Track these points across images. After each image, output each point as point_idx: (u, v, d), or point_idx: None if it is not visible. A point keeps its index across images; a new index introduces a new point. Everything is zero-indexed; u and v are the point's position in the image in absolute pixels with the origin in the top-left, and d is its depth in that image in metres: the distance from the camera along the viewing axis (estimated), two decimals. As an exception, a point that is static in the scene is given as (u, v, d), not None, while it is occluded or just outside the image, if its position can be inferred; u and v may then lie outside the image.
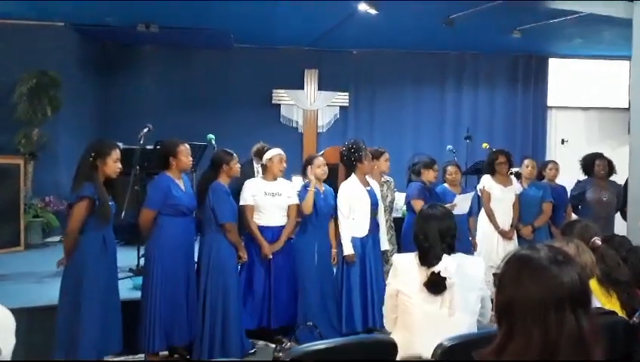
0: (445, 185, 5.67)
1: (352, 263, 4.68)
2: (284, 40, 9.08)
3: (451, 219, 2.78)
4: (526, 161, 5.86)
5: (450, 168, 5.68)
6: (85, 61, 8.57)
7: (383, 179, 5.32)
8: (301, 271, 4.70)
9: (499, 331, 1.38)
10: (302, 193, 4.78)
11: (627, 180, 6.13)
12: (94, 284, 3.79)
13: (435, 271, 2.58)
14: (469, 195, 5.42)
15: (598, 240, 2.93)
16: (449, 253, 2.66)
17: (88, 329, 3.76)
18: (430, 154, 5.99)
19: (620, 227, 6.12)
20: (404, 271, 2.69)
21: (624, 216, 6.17)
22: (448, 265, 2.59)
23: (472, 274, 2.69)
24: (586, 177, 6.27)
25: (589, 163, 6.19)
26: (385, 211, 5.21)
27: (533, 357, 1.28)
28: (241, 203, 4.59)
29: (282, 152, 4.74)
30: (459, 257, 2.71)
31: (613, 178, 6.25)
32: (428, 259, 2.63)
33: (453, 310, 2.59)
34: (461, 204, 5.23)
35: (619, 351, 2.20)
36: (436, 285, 2.58)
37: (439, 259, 2.61)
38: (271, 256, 4.58)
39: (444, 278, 2.57)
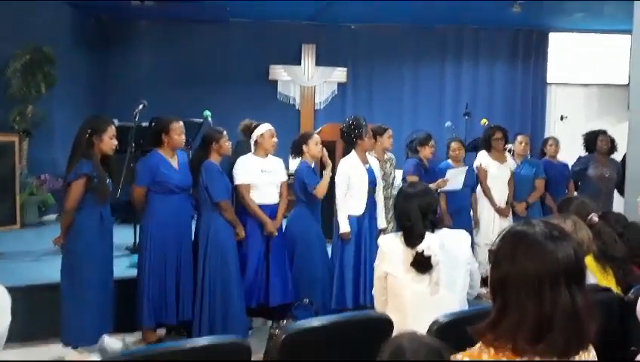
0: (449, 160, 5.63)
1: (347, 241, 4.66)
2: (281, 14, 8.95)
3: (431, 196, 2.77)
4: (519, 138, 5.82)
5: (453, 144, 5.64)
6: (80, 37, 8.48)
7: (385, 157, 5.27)
8: (297, 249, 4.67)
9: (493, 306, 1.37)
10: (305, 172, 4.65)
11: (624, 157, 6.11)
12: (93, 262, 3.81)
13: (419, 251, 2.58)
14: (462, 170, 5.37)
15: (595, 217, 2.92)
16: (432, 230, 2.66)
17: (89, 310, 3.79)
18: (430, 131, 5.94)
19: (618, 203, 6.13)
20: (390, 253, 2.68)
21: (621, 193, 6.16)
22: (431, 243, 2.59)
23: (458, 249, 2.70)
24: (588, 153, 6.25)
25: (592, 139, 6.19)
26: (388, 188, 5.18)
27: (527, 332, 1.28)
28: (238, 182, 4.51)
29: (272, 127, 4.65)
30: (442, 234, 2.71)
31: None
32: (412, 238, 2.63)
33: (438, 287, 2.59)
34: (454, 179, 5.20)
35: (614, 327, 2.20)
36: (422, 264, 2.58)
37: (422, 236, 2.61)
38: (276, 233, 4.54)
39: (429, 256, 2.56)
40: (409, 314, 2.56)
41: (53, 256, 5.12)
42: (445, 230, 2.77)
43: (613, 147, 6.13)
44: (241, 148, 5.15)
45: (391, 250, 2.68)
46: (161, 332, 4.32)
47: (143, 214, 4.20)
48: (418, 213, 2.64)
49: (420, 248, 2.58)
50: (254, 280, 4.51)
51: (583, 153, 6.39)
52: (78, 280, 3.78)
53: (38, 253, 5.41)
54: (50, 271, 4.59)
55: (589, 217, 2.94)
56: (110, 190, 3.95)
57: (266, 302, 4.56)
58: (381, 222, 4.97)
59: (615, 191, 6.25)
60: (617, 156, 6.30)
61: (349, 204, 4.68)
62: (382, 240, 2.81)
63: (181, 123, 4.25)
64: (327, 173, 4.62)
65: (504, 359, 1.31)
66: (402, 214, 2.70)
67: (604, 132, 6.22)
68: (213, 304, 4.21)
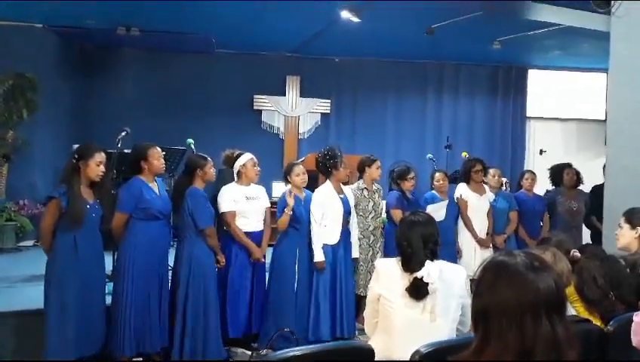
0: (434, 191, 5.68)
1: (322, 270, 4.66)
2: (266, 46, 9.06)
3: (433, 226, 2.79)
4: (491, 171, 5.91)
5: (437, 175, 5.71)
6: (63, 63, 8.47)
7: (374, 187, 5.32)
8: (282, 277, 4.66)
9: (475, 336, 1.37)
10: (280, 203, 4.73)
11: (593, 188, 6.22)
12: (63, 286, 3.75)
13: (418, 277, 2.58)
14: (442, 204, 5.43)
15: (577, 253, 2.95)
16: (432, 259, 2.67)
17: (54, 333, 3.73)
18: (408, 162, 5.99)
19: (587, 236, 6.22)
20: (387, 276, 2.68)
21: (588, 226, 6.25)
22: (431, 270, 2.60)
23: (454, 280, 2.69)
24: (554, 187, 6.33)
25: (558, 173, 6.26)
26: (378, 218, 5.23)
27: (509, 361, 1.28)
28: (224, 209, 4.52)
29: (253, 156, 4.69)
30: (441, 264, 2.72)
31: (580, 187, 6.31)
32: (411, 264, 2.64)
33: (435, 315, 2.59)
34: (435, 214, 5.22)
35: (593, 359, 2.21)
36: (419, 290, 2.58)
37: (422, 264, 2.62)
38: (263, 260, 4.56)
39: (427, 284, 2.57)
40: (396, 338, 2.56)
41: (29, 283, 5.05)
42: (442, 261, 2.78)
43: (578, 179, 6.19)
44: (224, 176, 5.16)
45: (387, 272, 2.69)
46: (137, 360, 4.23)
47: (121, 241, 4.13)
48: (420, 241, 2.66)
49: (419, 274, 2.58)
50: (242, 309, 4.49)
51: (550, 187, 6.47)
52: (52, 302, 3.74)
53: (14, 278, 5.31)
54: (26, 297, 4.53)
55: (571, 253, 2.97)
56: (87, 215, 3.84)
57: (249, 330, 4.53)
58: (355, 251, 4.99)
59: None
60: (586, 188, 6.36)
61: (324, 233, 4.70)
62: (379, 262, 2.84)
63: (159, 148, 4.25)
64: (287, 211, 4.63)
65: (485, 389, 1.31)
66: (403, 241, 2.70)
67: (569, 165, 6.29)
68: (195, 330, 4.15)
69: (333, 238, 4.75)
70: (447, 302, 2.63)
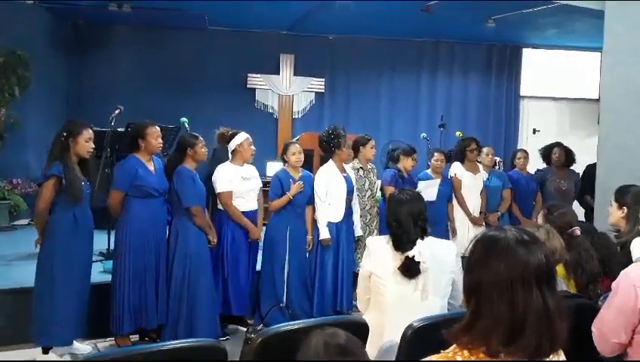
0: (428, 171, 5.71)
1: (327, 247, 4.71)
2: (259, 24, 8.98)
3: (421, 202, 2.80)
4: (485, 150, 5.95)
5: (437, 154, 5.70)
6: (55, 40, 8.37)
7: (368, 166, 5.33)
8: (274, 256, 4.69)
9: (467, 310, 1.40)
10: (275, 183, 4.73)
11: (585, 169, 6.26)
12: (67, 265, 3.78)
13: (410, 256, 2.60)
14: (434, 182, 5.44)
15: (578, 231, 2.99)
16: (422, 237, 2.68)
17: (63, 313, 3.75)
18: (406, 141, 6.01)
19: (580, 215, 6.23)
20: (378, 254, 2.70)
21: (582, 205, 6.30)
22: (422, 249, 2.61)
23: (444, 257, 2.72)
24: (546, 166, 6.37)
25: (548, 152, 6.28)
26: (373, 197, 5.26)
27: (500, 334, 1.31)
28: (220, 190, 4.52)
29: (249, 136, 4.68)
30: (431, 241, 2.73)
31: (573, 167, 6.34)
32: (402, 244, 2.64)
33: (426, 293, 2.61)
34: (425, 191, 5.25)
35: (583, 333, 2.25)
36: (410, 269, 2.60)
37: (414, 243, 2.63)
38: (261, 239, 4.59)
39: (418, 262, 2.59)
40: (388, 315, 2.59)
41: (24, 261, 5.06)
42: (433, 238, 2.80)
43: (569, 159, 6.20)
44: (218, 155, 5.16)
45: (378, 251, 2.70)
46: (135, 338, 4.27)
47: (118, 219, 4.15)
48: (409, 219, 2.67)
49: (410, 253, 2.60)
50: (242, 287, 4.52)
51: (541, 166, 6.51)
52: (50, 280, 3.75)
53: (9, 257, 5.32)
54: (21, 275, 4.54)
55: (572, 229, 3.00)
56: (88, 192, 3.91)
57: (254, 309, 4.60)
58: (358, 229, 5.04)
59: (575, 202, 6.34)
60: (578, 167, 6.39)
61: (329, 211, 4.74)
62: (370, 240, 2.83)
63: (157, 127, 4.23)
64: (286, 196, 4.66)
65: (478, 361, 1.34)
66: (393, 220, 2.71)
67: (559, 144, 6.30)
68: (179, 309, 4.16)
69: (338, 216, 4.80)
70: (438, 279, 2.66)
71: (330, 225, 4.75)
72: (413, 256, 2.59)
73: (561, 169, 6.17)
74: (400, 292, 2.61)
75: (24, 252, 5.27)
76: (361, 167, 5.22)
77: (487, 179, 5.84)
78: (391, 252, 2.67)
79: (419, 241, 2.64)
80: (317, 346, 1.47)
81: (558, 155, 6.14)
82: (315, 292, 4.73)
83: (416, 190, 5.10)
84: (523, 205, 6.00)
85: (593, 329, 2.28)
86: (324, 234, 4.71)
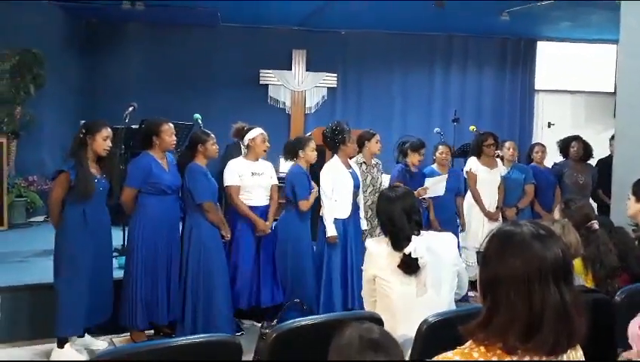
0: (434, 166, 5.66)
1: (334, 244, 4.68)
2: (271, 19, 8.97)
3: (412, 197, 2.80)
4: (507, 144, 5.89)
5: (441, 147, 5.67)
6: (69, 39, 8.44)
7: (373, 161, 5.31)
8: (288, 251, 4.68)
9: (483, 306, 1.38)
10: (297, 179, 4.66)
11: (599, 161, 6.17)
12: (75, 260, 3.82)
13: (406, 253, 2.59)
14: (442, 178, 5.36)
15: (596, 225, 2.96)
16: (417, 233, 2.67)
17: (65, 305, 3.81)
18: (419, 137, 5.97)
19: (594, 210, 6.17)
20: (378, 256, 2.68)
21: (595, 199, 6.22)
22: (417, 245, 2.59)
23: (444, 250, 2.71)
24: (563, 159, 6.30)
25: (566, 145, 6.22)
26: (376, 193, 5.22)
27: (517, 330, 1.29)
28: (227, 183, 4.53)
29: (264, 131, 4.67)
30: (428, 236, 2.73)
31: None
32: (399, 242, 2.63)
33: (425, 288, 2.60)
34: (434, 187, 5.22)
35: (601, 328, 2.22)
36: (410, 266, 2.59)
37: (409, 239, 2.61)
38: (269, 231, 4.57)
39: (416, 259, 2.58)
40: (397, 314, 2.57)
41: (40, 257, 5.12)
42: (431, 232, 2.78)
43: (586, 153, 6.11)
44: (231, 151, 5.16)
45: (377, 252, 2.69)
46: (150, 333, 4.30)
47: (131, 215, 4.18)
48: (402, 216, 2.66)
49: (407, 250, 2.59)
50: (246, 281, 4.52)
51: (557, 160, 6.44)
52: (64, 274, 3.82)
53: (25, 253, 5.37)
54: (37, 271, 4.58)
55: (591, 223, 2.97)
56: (96, 189, 3.90)
57: (257, 304, 4.57)
58: (363, 223, 5.01)
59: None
60: (593, 161, 6.30)
61: (335, 208, 4.71)
62: (368, 243, 2.81)
63: (171, 124, 4.26)
64: (314, 192, 4.66)
65: (494, 358, 1.31)
66: (386, 219, 2.70)
67: (577, 137, 6.22)
68: (196, 305, 4.19)
69: (345, 212, 4.75)
70: (441, 273, 2.64)
71: (337, 221, 4.69)
72: (410, 253, 2.58)
73: (579, 163, 6.10)
74: (406, 291, 2.60)
75: (40, 248, 5.33)
76: (364, 162, 5.20)
77: (508, 172, 5.76)
78: (388, 251, 2.66)
79: (414, 237, 2.63)
80: (351, 337, 1.48)
81: (577, 149, 6.06)
82: (322, 291, 4.67)
83: (425, 186, 5.12)
84: (544, 199, 5.90)
85: (632, 328, 2.22)
86: (331, 231, 4.66)
